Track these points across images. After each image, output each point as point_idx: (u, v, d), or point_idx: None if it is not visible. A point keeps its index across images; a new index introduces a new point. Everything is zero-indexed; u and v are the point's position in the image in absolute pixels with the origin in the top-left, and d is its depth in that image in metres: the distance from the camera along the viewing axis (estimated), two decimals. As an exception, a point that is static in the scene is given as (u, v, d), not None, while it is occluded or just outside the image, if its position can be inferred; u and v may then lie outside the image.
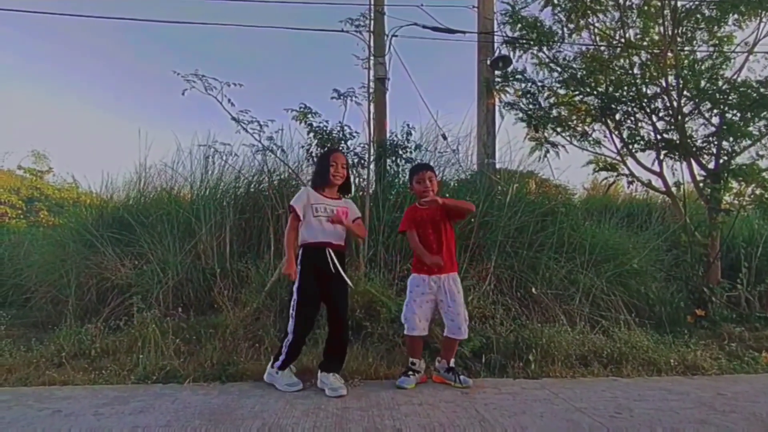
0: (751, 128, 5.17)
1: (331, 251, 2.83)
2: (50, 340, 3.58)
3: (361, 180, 5.16)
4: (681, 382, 3.13)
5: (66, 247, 4.77)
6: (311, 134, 5.13)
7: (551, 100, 6.13)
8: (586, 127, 6.08)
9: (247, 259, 4.42)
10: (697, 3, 5.37)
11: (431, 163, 5.38)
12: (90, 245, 4.69)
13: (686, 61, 5.43)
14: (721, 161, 5.31)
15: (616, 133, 5.90)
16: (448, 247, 2.95)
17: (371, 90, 5.14)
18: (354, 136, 5.24)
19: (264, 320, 3.74)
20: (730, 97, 5.16)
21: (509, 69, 6.00)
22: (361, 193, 4.88)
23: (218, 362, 3.14)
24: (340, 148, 5.03)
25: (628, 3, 5.64)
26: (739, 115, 5.18)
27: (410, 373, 2.93)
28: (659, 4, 5.41)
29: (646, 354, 3.49)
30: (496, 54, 5.99)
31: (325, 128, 5.13)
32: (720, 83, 5.33)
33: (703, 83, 5.31)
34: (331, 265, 2.80)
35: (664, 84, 5.41)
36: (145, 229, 4.65)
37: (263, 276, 4.16)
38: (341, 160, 2.97)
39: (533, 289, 4.17)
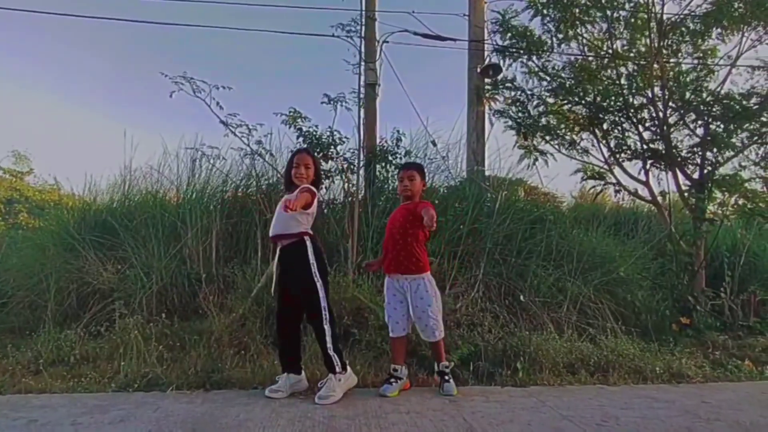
0: (734, 139, 5.29)
1: (278, 246, 2.81)
2: (27, 347, 3.48)
3: (351, 186, 5.14)
4: (667, 390, 3.16)
5: (46, 250, 4.65)
6: (301, 138, 5.11)
7: (540, 109, 6.21)
8: (574, 136, 6.15)
9: (233, 264, 4.35)
10: (682, 16, 5.49)
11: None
12: (71, 249, 4.57)
13: (672, 73, 5.54)
14: (705, 171, 5.42)
15: (604, 142, 5.98)
16: (405, 249, 2.92)
17: (362, 95, 5.15)
18: (344, 141, 5.23)
19: (250, 327, 3.67)
20: (714, 109, 5.28)
21: (499, 77, 6.08)
22: (350, 198, 4.86)
23: (202, 369, 3.07)
24: (330, 152, 5.01)
25: (615, 15, 5.74)
26: (722, 126, 5.30)
27: (392, 380, 2.90)
28: (646, 16, 5.52)
29: (632, 362, 3.51)
30: (487, 62, 6.05)
31: (314, 133, 5.10)
32: (704, 95, 5.43)
33: (688, 95, 5.42)
34: (275, 263, 2.78)
35: (650, 95, 5.50)
36: (129, 233, 4.56)
37: (250, 281, 4.10)
38: (305, 160, 2.88)
39: (521, 297, 4.18)
